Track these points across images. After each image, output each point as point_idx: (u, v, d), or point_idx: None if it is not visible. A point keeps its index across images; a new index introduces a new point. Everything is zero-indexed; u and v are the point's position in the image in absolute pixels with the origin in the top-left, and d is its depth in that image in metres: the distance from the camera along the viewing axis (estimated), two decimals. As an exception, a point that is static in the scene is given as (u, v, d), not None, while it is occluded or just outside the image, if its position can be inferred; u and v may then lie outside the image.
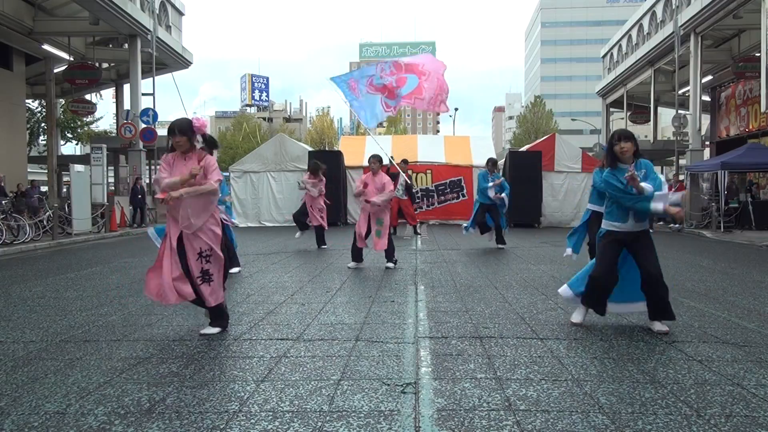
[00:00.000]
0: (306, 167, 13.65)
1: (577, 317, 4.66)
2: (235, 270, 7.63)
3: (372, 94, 9.58)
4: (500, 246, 10.76)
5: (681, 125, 20.56)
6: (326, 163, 17.40)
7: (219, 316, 4.37)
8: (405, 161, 14.34)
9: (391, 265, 8.05)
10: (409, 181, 14.05)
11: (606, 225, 4.55)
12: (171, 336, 4.27)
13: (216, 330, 4.32)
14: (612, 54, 31.33)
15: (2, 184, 16.48)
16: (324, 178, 10.73)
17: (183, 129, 4.20)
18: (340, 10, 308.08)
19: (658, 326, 4.38)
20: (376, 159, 8.15)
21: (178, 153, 4.29)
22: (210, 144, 4.47)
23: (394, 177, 13.80)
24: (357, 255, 8.26)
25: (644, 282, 4.41)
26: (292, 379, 3.28)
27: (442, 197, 18.77)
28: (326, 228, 10.74)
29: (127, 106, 22.24)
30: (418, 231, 14.54)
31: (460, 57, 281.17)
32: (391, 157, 11.77)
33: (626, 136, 4.43)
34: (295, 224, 11.46)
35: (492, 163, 10.83)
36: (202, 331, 4.29)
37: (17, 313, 5.20)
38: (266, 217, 18.41)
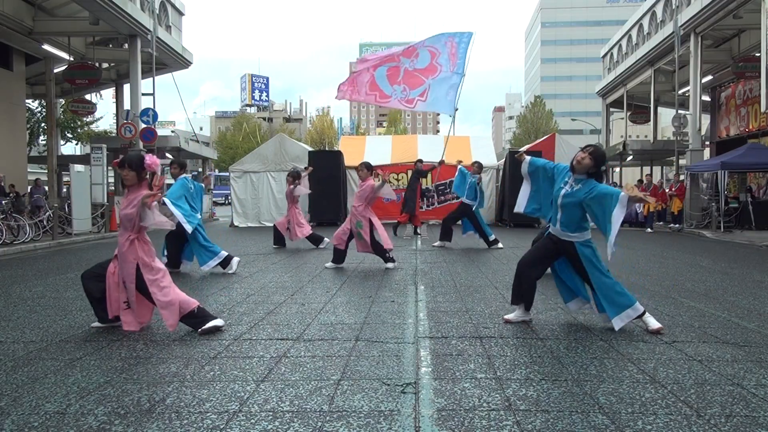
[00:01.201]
0: (306, 167, 13.60)
1: (510, 315, 4.73)
2: (231, 270, 7.64)
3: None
4: (498, 246, 10.86)
5: (681, 125, 20.54)
6: (326, 163, 17.56)
7: (190, 321, 4.36)
8: (420, 161, 14.54)
9: (390, 265, 8.05)
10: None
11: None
12: (171, 336, 4.27)
13: (213, 323, 4.34)
14: (612, 54, 31.29)
15: (2, 184, 16.49)
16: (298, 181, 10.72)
17: (132, 164, 4.30)
18: (340, 11, 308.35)
19: (652, 324, 4.38)
20: (363, 166, 8.12)
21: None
22: (150, 179, 4.36)
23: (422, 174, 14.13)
24: (337, 257, 8.23)
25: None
26: (292, 379, 3.28)
27: (442, 197, 18.77)
28: (303, 236, 10.80)
29: (127, 106, 22.19)
30: (419, 231, 14.59)
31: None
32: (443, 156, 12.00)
33: (595, 156, 4.29)
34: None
35: (478, 165, 10.98)
36: (201, 329, 4.30)
37: (17, 313, 5.20)
38: (266, 217, 18.40)
